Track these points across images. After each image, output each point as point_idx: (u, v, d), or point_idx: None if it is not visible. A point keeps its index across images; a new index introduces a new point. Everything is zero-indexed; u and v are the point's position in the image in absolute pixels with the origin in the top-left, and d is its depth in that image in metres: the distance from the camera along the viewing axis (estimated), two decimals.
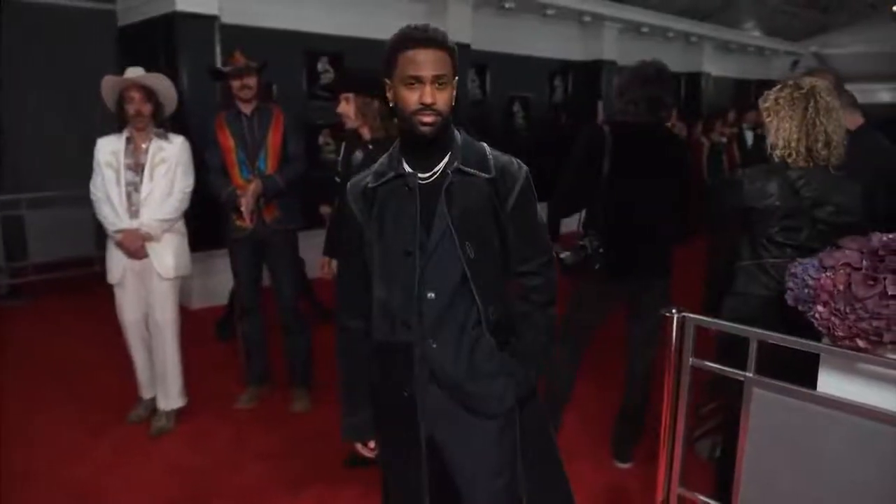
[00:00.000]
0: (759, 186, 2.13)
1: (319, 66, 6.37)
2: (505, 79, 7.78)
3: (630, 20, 9.05)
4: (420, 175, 1.58)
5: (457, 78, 1.56)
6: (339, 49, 6.38)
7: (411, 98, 1.50)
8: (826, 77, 2.27)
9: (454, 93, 1.56)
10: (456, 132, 1.63)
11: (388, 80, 1.56)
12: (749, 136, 9.55)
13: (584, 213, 2.89)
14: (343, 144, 3.08)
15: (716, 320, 2.05)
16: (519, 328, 1.65)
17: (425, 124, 1.51)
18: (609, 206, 2.75)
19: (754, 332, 1.84)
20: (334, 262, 3.09)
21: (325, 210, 3.81)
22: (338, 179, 3.04)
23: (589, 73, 8.97)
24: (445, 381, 1.58)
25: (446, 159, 1.59)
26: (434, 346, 1.56)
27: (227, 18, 5.51)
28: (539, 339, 1.66)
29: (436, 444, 1.61)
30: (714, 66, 11.42)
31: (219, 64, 5.12)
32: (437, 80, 1.49)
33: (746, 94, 13.15)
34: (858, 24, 12.53)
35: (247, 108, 3.44)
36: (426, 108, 1.50)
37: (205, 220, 3.50)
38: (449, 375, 1.57)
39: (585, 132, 2.82)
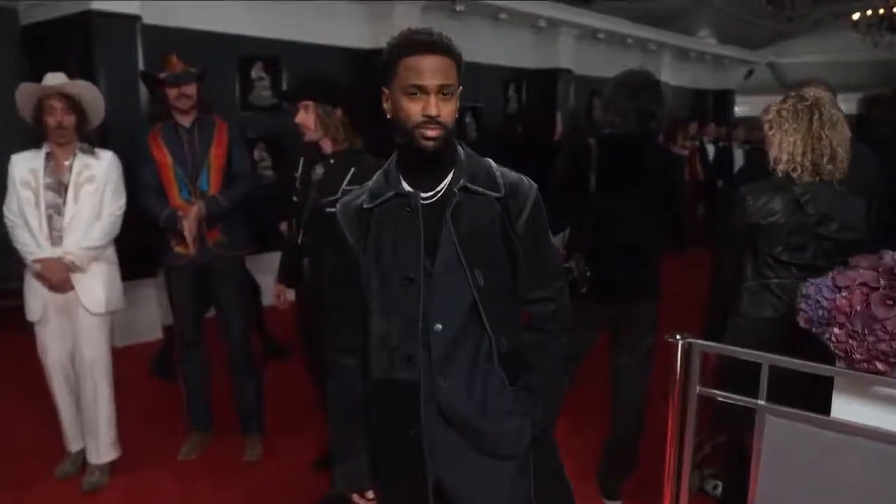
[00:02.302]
0: (764, 203, 2.24)
1: (253, 73, 6.31)
2: None
3: (587, 26, 9.32)
4: (422, 194, 1.59)
5: (461, 87, 1.58)
6: (275, 54, 6.35)
7: (413, 109, 1.51)
8: (823, 88, 2.41)
9: (458, 104, 1.58)
10: (459, 147, 1.65)
11: (385, 89, 1.57)
12: (711, 150, 9.98)
13: (567, 232, 2.96)
14: (301, 159, 3.06)
15: (724, 346, 2.13)
16: (531, 360, 1.67)
17: (428, 138, 1.52)
18: (596, 224, 2.83)
19: (766, 357, 1.91)
20: (290, 291, 3.06)
21: (283, 228, 3.77)
22: (295, 199, 3.02)
23: (544, 82, 9.16)
24: (456, 420, 1.58)
25: (450, 176, 1.60)
26: (443, 382, 1.57)
27: (149, 19, 5.39)
28: (554, 371, 1.69)
29: (444, 489, 1.61)
30: (672, 76, 11.87)
31: (141, 69, 5.01)
32: (443, 90, 1.51)
33: (704, 104, 13.71)
34: (815, 32, 13.25)
35: (185, 120, 3.36)
36: (430, 120, 1.50)
37: (128, 246, 3.42)
38: (460, 414, 1.58)
39: (570, 145, 2.90)
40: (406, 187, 1.60)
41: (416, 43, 1.50)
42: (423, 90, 1.49)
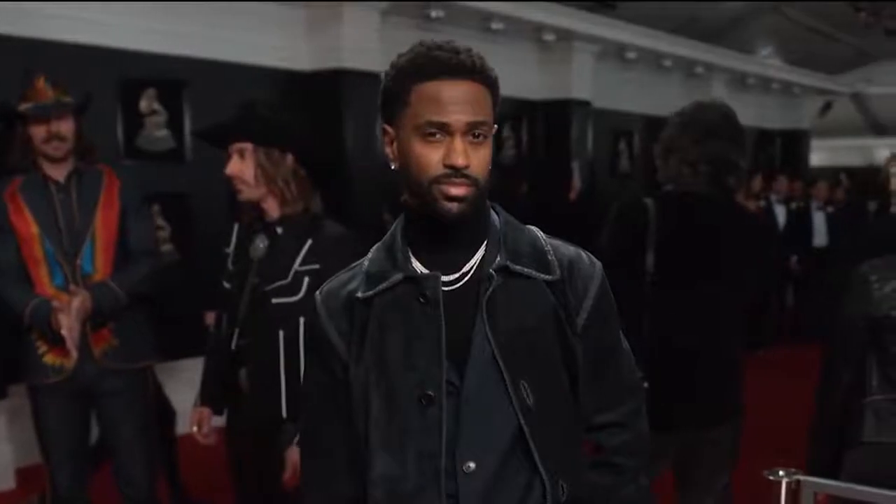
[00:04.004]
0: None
1: (143, 104, 6.33)
2: None
3: (610, 40, 9.54)
4: (443, 278, 1.62)
5: (496, 127, 1.62)
6: (174, 77, 6.41)
7: (431, 157, 1.54)
8: None
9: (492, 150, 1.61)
10: (493, 211, 1.70)
11: (389, 128, 1.63)
12: (780, 213, 10.19)
13: None
14: (235, 227, 3.09)
15: (849, 485, 2.16)
16: None
17: (452, 198, 1.55)
18: (655, 318, 2.89)
19: None
20: (216, 418, 3.06)
21: (209, 321, 3.75)
22: (227, 284, 3.03)
23: (553, 119, 9.37)
24: None
25: (482, 252, 1.64)
26: None
27: None
28: None
29: None
30: None
31: None
32: (473, 131, 1.54)
33: (770, 150, 14.05)
34: None
35: (58, 172, 3.38)
36: (455, 173, 1.53)
37: None
38: None
39: (619, 208, 2.97)
40: (419, 268, 1.64)
41: (436, 62, 1.54)
42: (445, 130, 1.53)
